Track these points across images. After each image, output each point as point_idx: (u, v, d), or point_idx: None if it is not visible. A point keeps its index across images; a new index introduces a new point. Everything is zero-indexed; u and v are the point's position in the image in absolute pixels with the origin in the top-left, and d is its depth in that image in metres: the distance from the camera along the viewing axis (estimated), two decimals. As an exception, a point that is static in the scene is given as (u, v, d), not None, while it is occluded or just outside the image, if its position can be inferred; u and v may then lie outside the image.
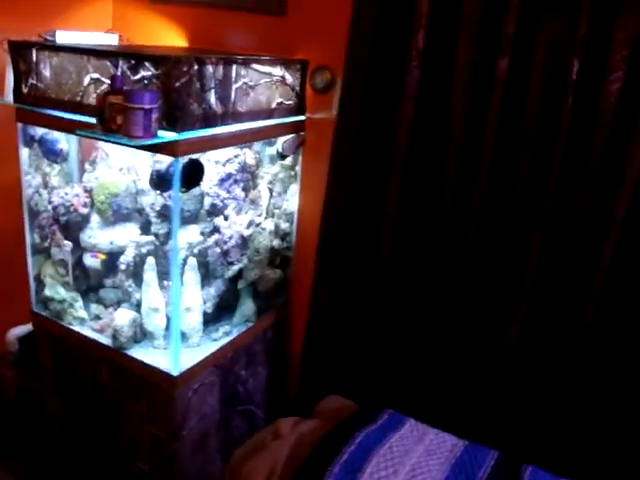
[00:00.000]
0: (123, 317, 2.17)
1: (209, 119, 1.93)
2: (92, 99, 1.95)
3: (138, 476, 2.33)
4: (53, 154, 2.16)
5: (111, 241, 2.25)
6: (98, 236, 2.27)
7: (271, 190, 2.36)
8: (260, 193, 2.30)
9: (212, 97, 1.92)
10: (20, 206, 2.41)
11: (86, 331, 2.30)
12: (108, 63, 1.90)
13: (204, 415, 2.27)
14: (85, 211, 2.26)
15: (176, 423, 2.15)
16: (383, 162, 2.16)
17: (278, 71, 2.19)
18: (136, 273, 2.24)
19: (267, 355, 2.58)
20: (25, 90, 2.10)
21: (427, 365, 2.25)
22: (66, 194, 2.27)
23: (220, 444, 2.43)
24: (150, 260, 2.14)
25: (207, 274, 2.18)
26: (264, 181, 2.32)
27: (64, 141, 2.21)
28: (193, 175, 1.91)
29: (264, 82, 2.13)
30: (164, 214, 2.19)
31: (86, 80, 1.96)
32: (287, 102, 2.28)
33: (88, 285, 2.39)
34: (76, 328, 2.31)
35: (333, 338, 2.42)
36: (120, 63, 1.87)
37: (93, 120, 1.88)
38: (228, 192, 2.14)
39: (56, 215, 2.28)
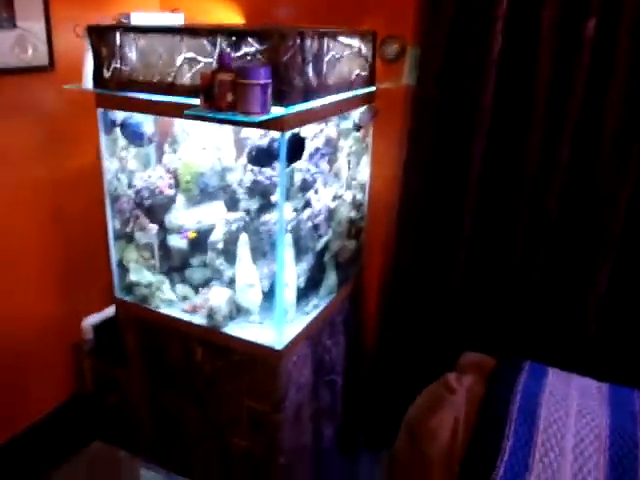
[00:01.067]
0: (219, 296, 2.19)
1: (308, 93, 1.94)
2: (186, 79, 1.95)
3: (236, 452, 2.36)
4: (138, 138, 2.15)
5: (198, 220, 2.26)
6: (184, 216, 2.28)
7: (349, 162, 2.38)
8: (341, 165, 2.32)
9: (310, 70, 1.93)
10: (91, 193, 2.41)
11: (175, 312, 2.31)
12: (205, 42, 1.89)
13: (300, 386, 2.31)
14: (171, 192, 2.27)
15: (279, 396, 2.18)
16: (466, 128, 2.19)
17: (356, 43, 2.21)
18: (226, 251, 2.25)
19: (345, 324, 2.62)
20: (107, 75, 2.09)
21: (511, 322, 2.31)
22: (149, 177, 2.26)
23: (311, 414, 2.47)
24: (243, 236, 2.16)
25: (300, 249, 2.20)
26: (343, 153, 2.35)
27: (148, 124, 2.18)
28: (297, 150, 1.92)
29: (347, 54, 2.14)
30: (254, 190, 2.20)
31: (179, 60, 1.95)
32: (363, 73, 2.30)
33: (172, 266, 2.39)
34: (164, 311, 2.31)
35: (414, 302, 2.47)
36: (219, 41, 1.86)
37: (186, 100, 1.90)
38: (316, 166, 2.16)
39: (139, 199, 2.28)
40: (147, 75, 2.01)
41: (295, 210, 2.15)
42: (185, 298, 2.35)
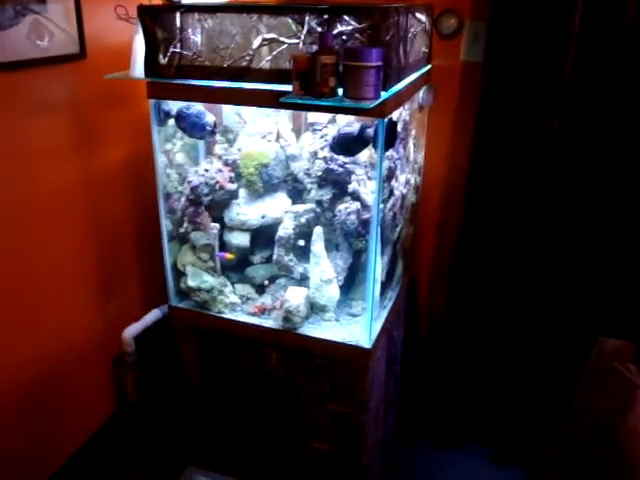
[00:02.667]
0: (297, 295, 2.03)
1: (400, 73, 1.80)
2: (266, 63, 1.76)
3: (315, 456, 2.24)
4: (200, 129, 1.95)
5: (263, 215, 2.10)
6: (247, 212, 2.10)
7: (415, 145, 2.25)
8: (410, 149, 2.20)
9: (401, 50, 1.79)
10: (129, 193, 2.21)
11: (240, 316, 2.14)
12: (289, 20, 1.71)
13: (379, 383, 2.20)
14: (233, 187, 2.08)
15: (366, 396, 2.08)
16: (541, 104, 2.10)
17: (424, 18, 2.07)
18: (295, 246, 2.10)
19: (405, 313, 2.52)
20: (164, 61, 1.87)
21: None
22: (206, 171, 2.06)
23: (384, 409, 2.37)
24: (318, 229, 2.01)
25: (383, 241, 2.07)
26: (411, 137, 2.22)
27: (210, 113, 1.97)
28: (392, 135, 1.78)
29: (419, 31, 2.01)
30: (326, 179, 2.04)
31: (256, 42, 1.76)
32: (426, 50, 2.16)
33: (229, 265, 2.21)
34: (229, 316, 2.14)
35: (478, 287, 2.39)
36: (307, 19, 1.69)
37: (266, 86, 1.74)
38: (397, 152, 2.02)
39: (195, 196, 2.08)
40: (215, 60, 1.81)
41: (382, 201, 2.01)
42: (248, 299, 2.18)
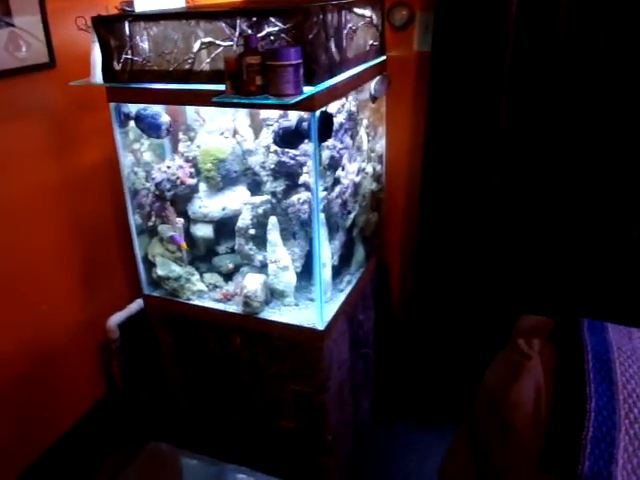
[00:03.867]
0: (254, 281, 2.15)
1: (333, 69, 1.89)
2: (206, 65, 1.88)
3: (282, 434, 2.36)
4: (156, 129, 2.08)
5: (223, 207, 2.22)
6: (209, 205, 2.23)
7: (368, 134, 2.34)
8: (362, 139, 2.28)
9: (332, 46, 1.88)
10: (105, 191, 2.35)
11: (207, 303, 2.27)
12: (223, 24, 1.83)
13: (340, 364, 2.30)
14: (192, 182, 2.21)
15: (323, 376, 2.18)
16: (487, 88, 2.16)
17: (368, 12, 2.15)
18: (254, 235, 2.21)
19: (374, 297, 2.61)
20: (118, 67, 2.00)
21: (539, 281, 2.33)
22: (168, 167, 2.20)
23: (351, 389, 2.47)
24: (273, 219, 2.12)
25: (331, 227, 2.17)
26: (363, 126, 2.30)
27: (164, 114, 2.10)
28: (327, 127, 1.88)
29: (361, 25, 2.09)
30: (279, 172, 2.15)
31: (196, 46, 1.88)
32: (375, 43, 2.25)
33: (197, 256, 2.34)
34: (196, 302, 2.27)
35: (442, 268, 2.47)
36: (238, 22, 1.80)
37: (208, 87, 1.85)
38: (341, 142, 2.11)
39: (160, 191, 2.22)
40: (162, 64, 1.94)
41: (325, 189, 2.11)
42: (215, 287, 2.32)
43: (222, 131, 2.23)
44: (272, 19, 1.77)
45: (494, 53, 2.13)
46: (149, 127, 2.09)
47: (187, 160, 2.23)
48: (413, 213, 2.53)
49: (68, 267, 2.47)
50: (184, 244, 2.23)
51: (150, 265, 2.32)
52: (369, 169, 2.37)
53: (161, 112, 2.10)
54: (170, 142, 2.36)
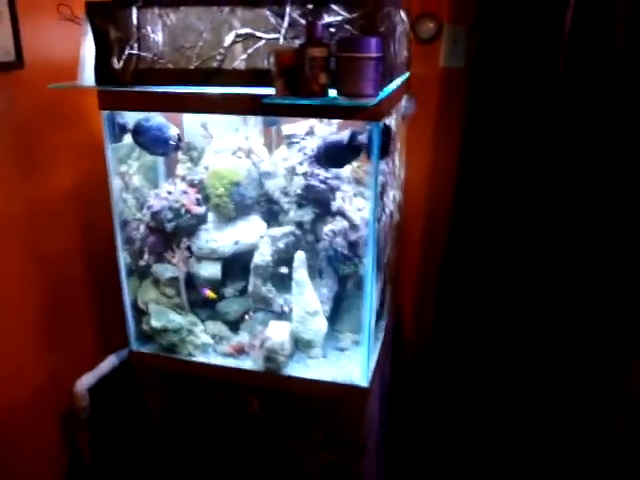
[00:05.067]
0: (279, 331, 1.72)
1: (393, 72, 1.54)
2: (240, 62, 1.47)
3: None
4: (162, 144, 1.63)
5: (236, 241, 1.78)
6: (218, 238, 1.78)
7: (399, 158, 1.99)
8: (397, 162, 1.93)
9: (392, 46, 1.53)
10: (78, 223, 1.85)
11: (215, 359, 1.80)
12: (267, 12, 1.43)
13: (374, 424, 1.89)
14: (201, 210, 1.76)
15: (363, 440, 1.76)
16: (533, 113, 1.87)
17: (405, 18, 1.82)
18: (273, 274, 1.78)
19: (393, 337, 2.24)
20: (118, 65, 1.55)
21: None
22: (169, 193, 1.74)
23: (377, 451, 2.06)
24: (300, 255, 1.71)
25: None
26: (397, 149, 1.95)
27: (173, 126, 1.65)
28: (387, 143, 1.50)
29: (402, 30, 1.76)
30: (307, 198, 1.75)
31: (229, 38, 1.47)
32: (407, 54, 1.92)
33: (196, 300, 1.87)
34: (200, 359, 1.79)
35: (469, 302, 2.13)
36: (288, 10, 1.41)
37: (243, 90, 1.46)
38: (387, 165, 1.75)
39: (157, 222, 1.75)
40: (179, 61, 1.51)
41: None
42: (221, 338, 1.84)
43: (234, 150, 1.80)
44: (334, 7, 1.39)
45: (544, 70, 1.85)
46: (153, 142, 1.63)
47: (192, 184, 1.77)
48: (431, 246, 2.19)
49: (26, 317, 1.91)
50: (211, 292, 1.76)
51: (140, 314, 1.82)
52: (398, 196, 2.00)
53: (168, 123, 1.64)
54: (165, 164, 1.89)
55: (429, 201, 2.20)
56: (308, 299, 1.75)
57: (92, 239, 1.88)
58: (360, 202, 1.79)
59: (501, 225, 2.02)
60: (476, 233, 2.05)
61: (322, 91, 1.35)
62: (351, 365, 1.76)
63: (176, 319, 1.79)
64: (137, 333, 1.84)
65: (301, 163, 1.76)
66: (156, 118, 1.64)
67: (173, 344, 1.80)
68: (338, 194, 1.76)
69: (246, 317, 1.82)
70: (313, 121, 1.83)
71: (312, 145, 1.76)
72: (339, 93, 1.33)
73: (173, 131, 1.64)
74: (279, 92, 1.37)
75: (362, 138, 1.52)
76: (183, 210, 1.73)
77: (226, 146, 1.82)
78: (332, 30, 1.40)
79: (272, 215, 1.85)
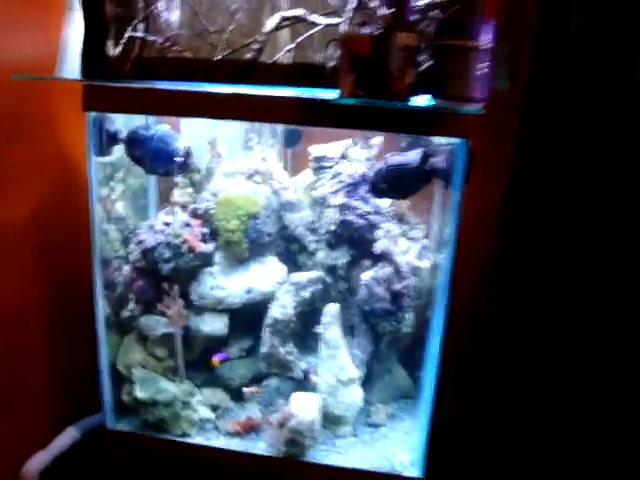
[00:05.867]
0: (308, 405, 1.28)
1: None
2: (285, 54, 1.08)
3: None
4: (166, 160, 1.20)
5: (248, 289, 1.35)
6: (227, 285, 1.34)
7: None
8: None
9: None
10: (31, 261, 1.37)
11: (217, 440, 1.34)
12: (327, -10, 1.04)
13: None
14: (208, 249, 1.31)
15: None
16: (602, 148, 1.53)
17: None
18: (294, 332, 1.36)
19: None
20: (115, 51, 1.13)
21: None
22: (166, 225, 1.29)
23: None
24: (333, 308, 1.30)
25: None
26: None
27: (181, 137, 1.23)
28: (470, 166, 1.12)
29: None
30: (341, 236, 1.35)
31: (271, 22, 1.07)
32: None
33: (190, 362, 1.42)
34: (197, 440, 1.33)
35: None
36: (356, -12, 1.03)
37: (278, 91, 1.05)
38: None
39: (150, 262, 1.30)
40: (201, 49, 1.11)
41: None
42: (225, 411, 1.39)
43: (250, 174, 1.37)
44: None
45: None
46: (154, 157, 1.20)
47: (196, 215, 1.33)
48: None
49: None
50: (216, 360, 1.31)
51: (119, 380, 1.34)
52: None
53: (174, 133, 1.21)
54: (156, 187, 1.44)
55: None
56: (342, 364, 1.34)
57: (50, 283, 1.40)
58: (404, 244, 1.39)
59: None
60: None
61: (408, 92, 0.96)
62: (390, 446, 1.35)
63: (168, 388, 1.33)
64: (114, 405, 1.36)
65: (335, 193, 1.36)
66: (159, 126, 1.21)
67: (163, 420, 1.33)
68: (379, 233, 1.36)
69: (252, 390, 1.38)
70: (347, 142, 1.44)
71: (349, 171, 1.36)
72: (437, 95, 0.95)
73: (181, 143, 1.20)
74: (348, 92, 0.97)
75: (437, 160, 1.13)
76: (185, 248, 1.29)
77: (238, 168, 1.39)
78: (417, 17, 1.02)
79: (292, 257, 1.43)
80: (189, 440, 1.35)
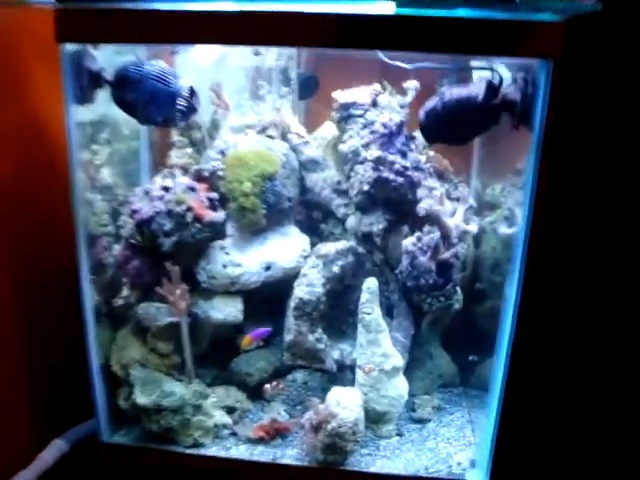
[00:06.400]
0: (349, 402, 1.03)
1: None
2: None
3: None
4: (166, 104, 0.92)
5: (267, 264, 1.08)
6: (242, 261, 1.07)
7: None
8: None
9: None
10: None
11: (235, 449, 1.08)
12: None
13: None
14: (219, 217, 1.04)
15: None
16: None
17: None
18: (323, 315, 1.11)
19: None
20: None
21: None
22: (166, 190, 1.02)
23: None
24: (372, 283, 1.04)
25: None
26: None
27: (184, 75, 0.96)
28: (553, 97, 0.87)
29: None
30: (375, 197, 1.09)
31: None
32: None
33: (197, 356, 1.16)
34: (212, 451, 1.08)
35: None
36: None
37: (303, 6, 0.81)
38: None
39: (147, 237, 1.03)
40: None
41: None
42: (243, 413, 1.13)
43: (263, 126, 1.11)
44: None
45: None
46: (151, 99, 0.93)
47: (200, 178, 1.06)
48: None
49: None
50: (250, 338, 1.05)
51: (114, 383, 1.07)
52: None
53: (175, 71, 0.94)
54: (149, 151, 1.17)
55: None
56: (385, 350, 1.08)
57: (24, 270, 1.12)
58: (450, 206, 1.15)
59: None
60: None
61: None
62: (443, 445, 1.11)
63: (175, 390, 1.06)
64: (109, 413, 1.09)
65: (367, 146, 1.10)
66: (156, 62, 0.93)
67: (170, 429, 1.06)
68: (421, 192, 1.11)
69: (275, 387, 1.13)
70: (375, 88, 1.18)
71: (383, 119, 1.10)
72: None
73: (185, 82, 0.93)
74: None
75: (510, 92, 0.88)
76: (189, 217, 1.02)
77: (248, 121, 1.13)
78: None
79: (315, 226, 1.17)
80: (203, 451, 1.09)
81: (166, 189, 1.04)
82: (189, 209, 1.03)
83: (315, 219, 1.19)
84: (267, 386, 1.14)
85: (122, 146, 1.16)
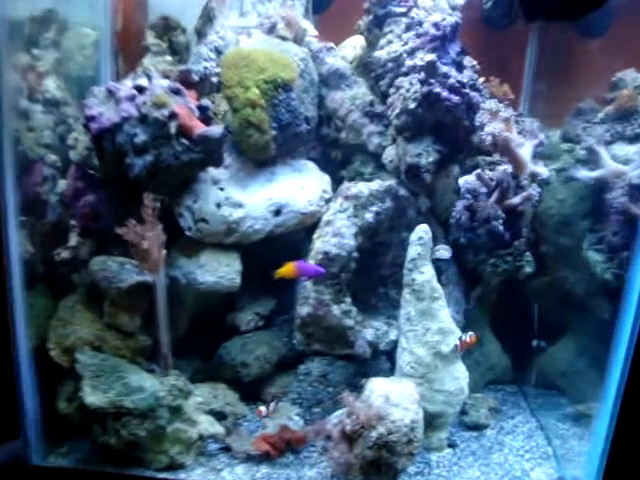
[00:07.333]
0: (401, 396, 0.68)
1: None
2: None
3: None
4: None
5: (277, 207, 0.74)
6: (242, 199, 0.72)
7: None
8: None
9: None
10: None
11: (229, 474, 0.72)
12: None
13: None
14: (214, 132, 0.70)
15: None
16: None
17: None
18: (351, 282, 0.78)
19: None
20: None
21: None
22: (139, 91, 0.67)
23: None
24: (423, 232, 0.71)
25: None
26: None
27: None
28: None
29: None
30: (422, 120, 0.78)
31: None
32: None
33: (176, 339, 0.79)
34: (197, 476, 0.71)
35: None
36: None
37: None
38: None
39: (108, 157, 0.67)
40: None
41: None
42: (236, 420, 0.76)
43: (271, 25, 0.78)
44: None
45: None
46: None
47: (187, 82, 0.72)
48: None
49: None
50: (293, 267, 0.70)
51: (52, 377, 0.69)
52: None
53: None
54: (114, 62, 0.82)
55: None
56: (441, 325, 0.75)
57: None
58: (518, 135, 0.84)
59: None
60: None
61: None
62: (514, 459, 0.78)
63: (145, 385, 0.69)
64: (43, 423, 0.70)
65: (413, 52, 0.79)
66: None
67: (135, 443, 0.68)
68: (482, 117, 0.80)
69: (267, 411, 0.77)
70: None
71: (435, 18, 0.79)
72: None
73: None
74: None
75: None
76: (173, 127, 0.67)
77: (250, 23, 0.80)
78: None
79: (330, 161, 0.84)
80: (183, 476, 0.71)
81: (140, 89, 0.69)
82: (173, 115, 0.68)
83: (328, 154, 0.86)
84: (262, 408, 0.76)
85: (73, 50, 0.80)
